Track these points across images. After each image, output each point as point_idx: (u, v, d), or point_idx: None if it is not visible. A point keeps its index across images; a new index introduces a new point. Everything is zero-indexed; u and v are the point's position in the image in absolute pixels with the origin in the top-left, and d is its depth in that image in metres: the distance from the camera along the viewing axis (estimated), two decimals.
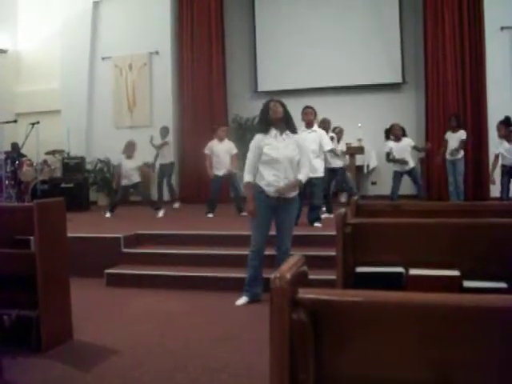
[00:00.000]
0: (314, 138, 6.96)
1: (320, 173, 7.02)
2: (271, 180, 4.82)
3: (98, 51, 12.23)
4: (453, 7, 10.29)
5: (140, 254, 6.44)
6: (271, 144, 4.83)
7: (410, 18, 11.13)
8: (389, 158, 8.38)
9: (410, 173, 8.45)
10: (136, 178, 9.09)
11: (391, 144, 8.39)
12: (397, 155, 8.29)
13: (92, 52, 12.23)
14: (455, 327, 1.19)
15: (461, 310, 1.19)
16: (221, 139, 8.76)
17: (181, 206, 10.41)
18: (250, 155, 4.93)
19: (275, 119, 4.88)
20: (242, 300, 5.06)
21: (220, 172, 8.63)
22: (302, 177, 4.94)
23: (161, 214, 8.92)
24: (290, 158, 4.83)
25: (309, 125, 7.08)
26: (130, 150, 9.12)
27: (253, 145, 4.92)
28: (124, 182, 9.11)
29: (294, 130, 4.94)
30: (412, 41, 11.15)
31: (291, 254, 4.73)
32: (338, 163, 8.30)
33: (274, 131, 4.88)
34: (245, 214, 7.85)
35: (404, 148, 8.33)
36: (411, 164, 8.38)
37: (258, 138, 4.91)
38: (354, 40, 11.24)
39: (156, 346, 3.97)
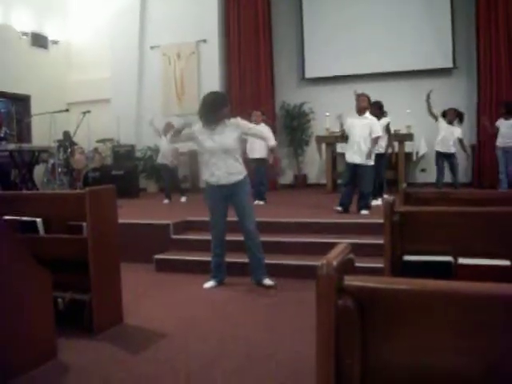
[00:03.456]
0: (364, 125, 7.00)
1: (369, 161, 6.98)
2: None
3: (147, 40, 12.36)
4: None
5: (189, 240, 6.52)
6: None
7: (461, 2, 10.85)
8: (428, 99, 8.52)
9: (450, 158, 8.37)
10: (168, 160, 9.47)
11: (443, 124, 8.40)
12: (441, 136, 8.35)
13: (141, 41, 12.38)
14: (505, 317, 1.17)
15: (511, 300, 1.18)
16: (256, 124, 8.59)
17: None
18: None
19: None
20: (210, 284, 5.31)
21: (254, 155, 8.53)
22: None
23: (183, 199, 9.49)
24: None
25: (361, 112, 7.07)
26: (168, 131, 9.26)
27: None
28: (160, 159, 9.58)
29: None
30: (464, 25, 10.86)
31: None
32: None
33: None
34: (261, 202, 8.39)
35: (451, 133, 8.32)
36: (451, 150, 8.37)
37: None
38: (403, 24, 11.03)
39: (204, 331, 4.03)
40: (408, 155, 10.33)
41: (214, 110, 4.97)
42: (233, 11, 11.83)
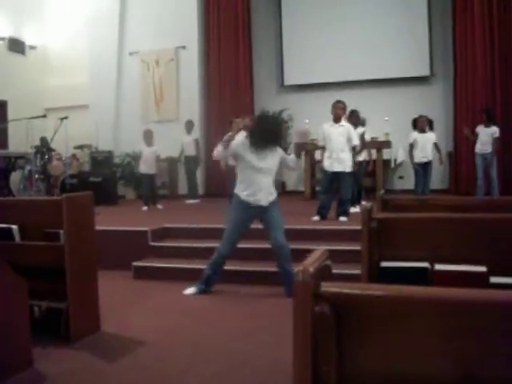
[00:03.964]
0: (341, 132, 7.03)
1: (348, 167, 7.02)
2: None
3: (126, 46, 12.31)
4: None
5: (167, 247, 6.49)
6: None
7: (438, 10, 11.00)
8: (411, 152, 8.55)
9: (426, 165, 8.46)
10: (152, 169, 9.57)
11: (416, 135, 8.47)
12: (419, 146, 8.38)
13: (120, 47, 12.32)
14: (480, 322, 1.18)
15: (487, 306, 1.19)
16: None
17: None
18: None
19: None
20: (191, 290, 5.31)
21: None
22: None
23: (160, 206, 9.55)
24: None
25: (337, 119, 7.10)
26: (148, 138, 9.57)
27: None
28: (144, 169, 9.56)
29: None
30: (440, 33, 11.00)
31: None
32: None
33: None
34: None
35: (427, 140, 8.42)
36: (430, 157, 8.45)
37: None
38: (381, 33, 11.14)
39: (181, 338, 4.01)
40: (386, 162, 10.41)
41: (275, 136, 5.22)
42: (212, 18, 11.85)
